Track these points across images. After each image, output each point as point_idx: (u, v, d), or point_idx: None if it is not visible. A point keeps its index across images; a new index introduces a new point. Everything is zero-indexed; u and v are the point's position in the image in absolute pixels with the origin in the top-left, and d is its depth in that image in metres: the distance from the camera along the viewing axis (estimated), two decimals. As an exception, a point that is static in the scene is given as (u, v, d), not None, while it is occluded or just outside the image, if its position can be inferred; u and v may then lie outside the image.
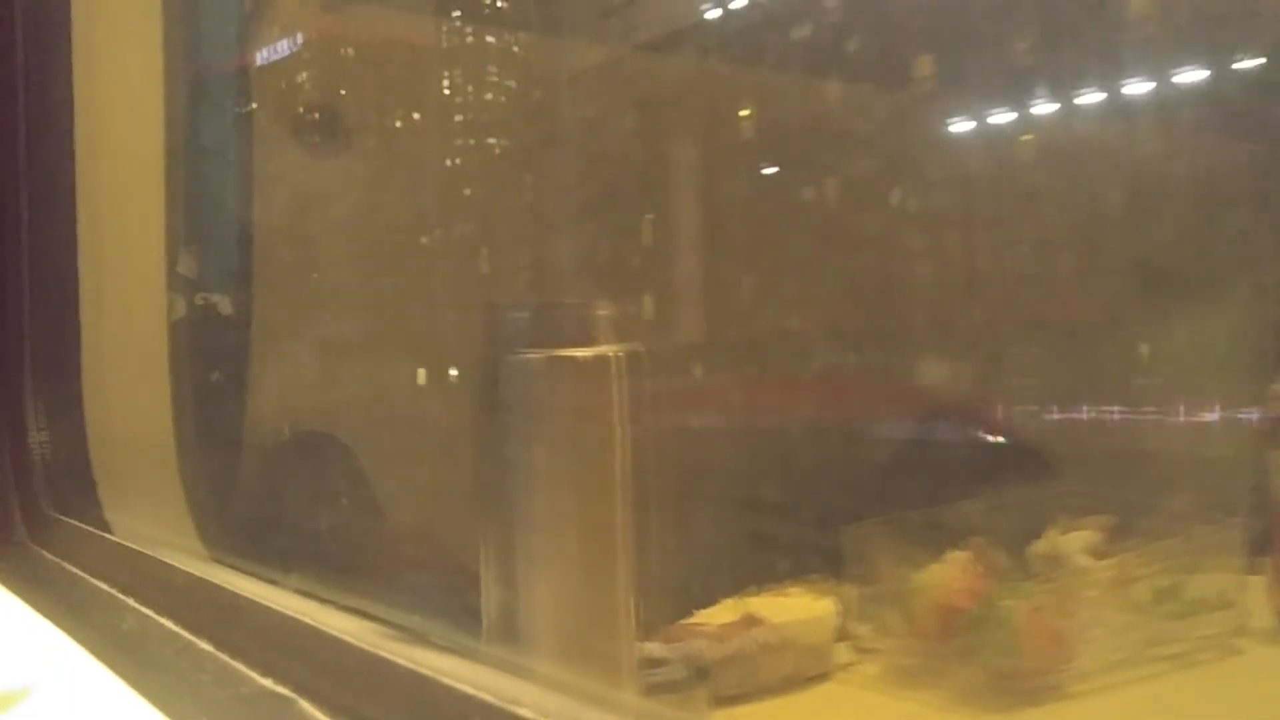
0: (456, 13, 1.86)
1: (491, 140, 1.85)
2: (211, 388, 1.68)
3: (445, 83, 1.84)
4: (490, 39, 1.86)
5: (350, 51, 1.88)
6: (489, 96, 1.86)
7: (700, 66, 1.75)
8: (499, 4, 1.88)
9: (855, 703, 1.01)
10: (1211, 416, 1.50)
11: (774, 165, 1.66)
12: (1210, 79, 1.56)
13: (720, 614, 1.04)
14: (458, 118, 1.87)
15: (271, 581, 0.90)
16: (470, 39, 1.87)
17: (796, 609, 1.05)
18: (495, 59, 1.84)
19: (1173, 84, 1.54)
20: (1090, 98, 1.60)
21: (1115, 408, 1.58)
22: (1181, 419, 1.54)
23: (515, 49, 1.85)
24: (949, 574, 1.01)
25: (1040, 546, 1.07)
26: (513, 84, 1.83)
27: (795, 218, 1.64)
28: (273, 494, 1.67)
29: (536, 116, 1.84)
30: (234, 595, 0.84)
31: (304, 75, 1.86)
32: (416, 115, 1.86)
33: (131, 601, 0.96)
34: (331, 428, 1.67)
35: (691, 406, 1.51)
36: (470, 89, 1.86)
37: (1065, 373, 1.61)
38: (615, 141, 1.68)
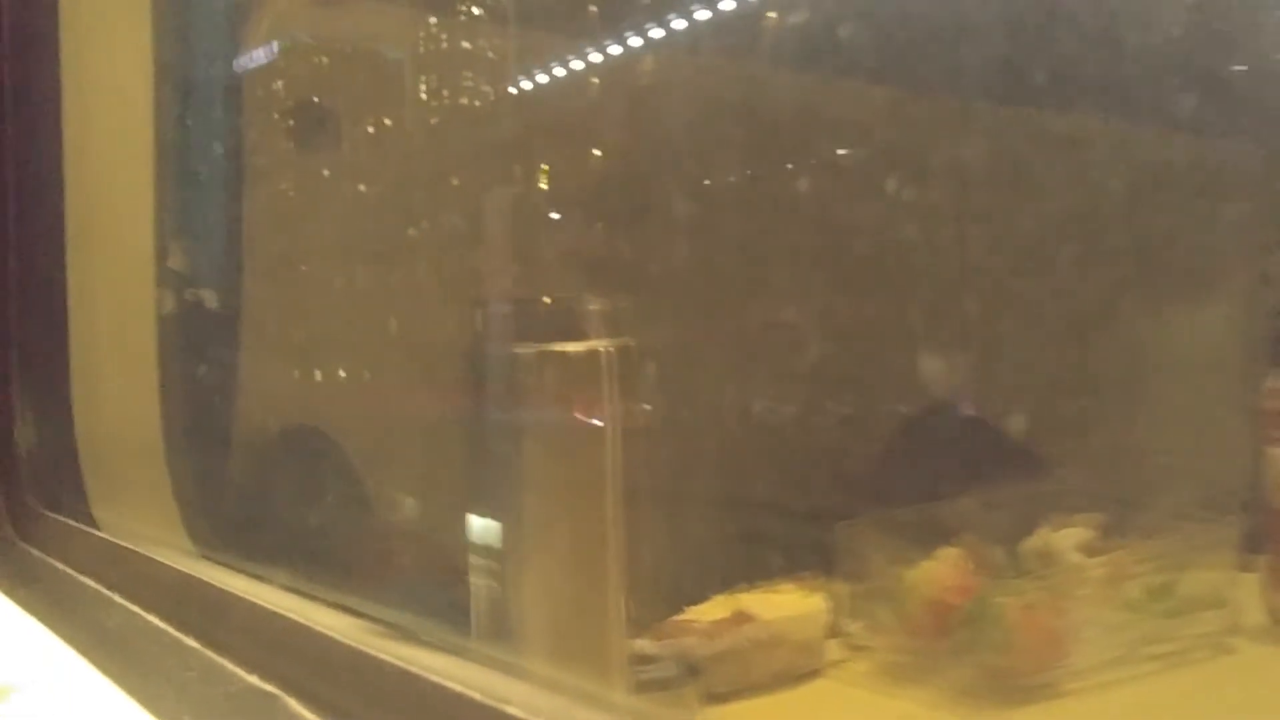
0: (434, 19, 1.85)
1: (481, 138, 1.85)
2: (200, 383, 1.67)
3: (423, 84, 1.84)
4: (465, 44, 1.86)
5: (341, 49, 1.87)
6: (466, 100, 1.86)
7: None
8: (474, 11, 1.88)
9: (847, 700, 1.00)
10: (1205, 413, 1.50)
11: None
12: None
13: (711, 610, 1.04)
14: (433, 120, 1.87)
15: (259, 578, 0.90)
16: (445, 45, 1.87)
17: (788, 605, 1.04)
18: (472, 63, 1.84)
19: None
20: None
21: (1109, 404, 1.58)
22: (1175, 415, 1.54)
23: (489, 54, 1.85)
24: (941, 571, 1.01)
25: (1033, 543, 1.06)
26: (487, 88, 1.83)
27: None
28: (261, 489, 1.66)
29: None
30: (221, 592, 0.83)
31: (295, 71, 1.86)
32: (403, 113, 1.85)
33: (118, 598, 0.96)
34: (321, 423, 1.66)
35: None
36: (446, 90, 1.86)
37: (1057, 368, 1.61)
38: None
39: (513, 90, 1.81)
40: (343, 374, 1.71)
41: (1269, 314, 1.38)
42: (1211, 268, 1.52)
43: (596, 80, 1.75)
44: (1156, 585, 1.01)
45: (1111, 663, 0.96)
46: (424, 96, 1.85)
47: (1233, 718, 0.90)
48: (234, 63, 1.83)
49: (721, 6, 1.64)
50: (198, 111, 1.79)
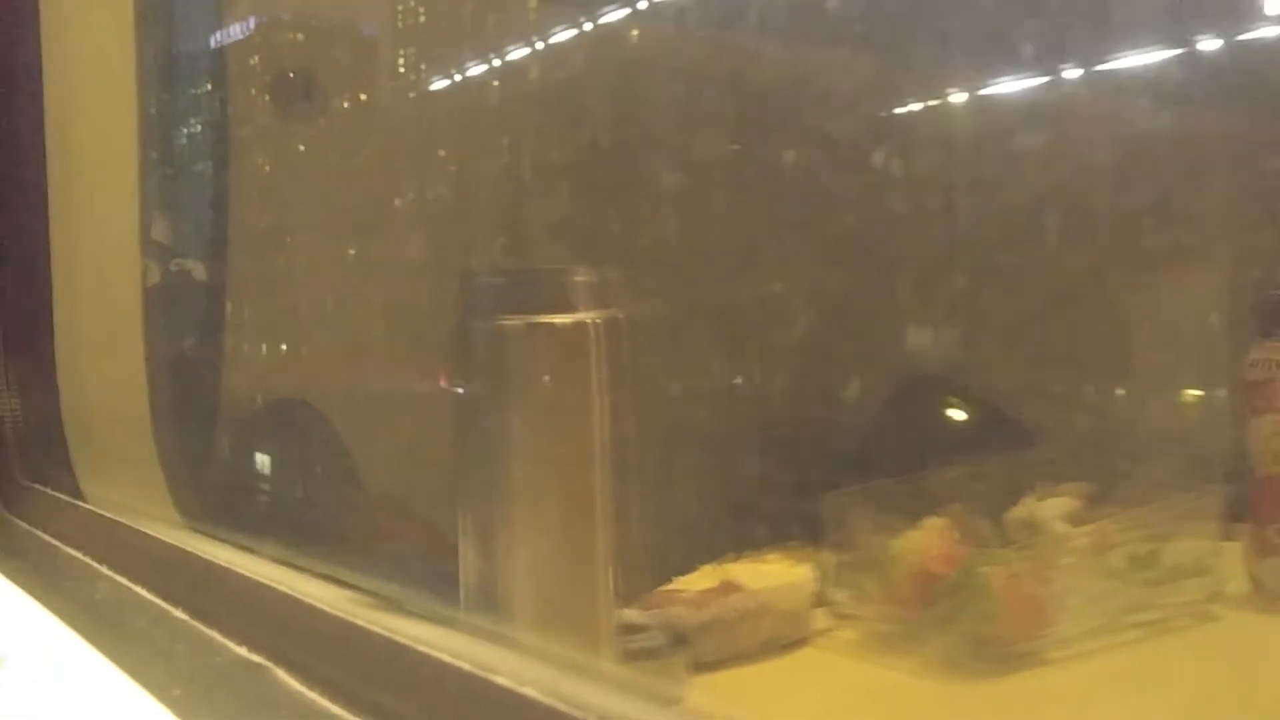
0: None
1: (466, 109, 1.84)
2: (186, 354, 1.67)
3: (405, 55, 1.83)
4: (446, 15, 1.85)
5: (324, 20, 1.86)
6: (449, 71, 1.85)
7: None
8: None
9: (833, 668, 1.01)
10: (1189, 383, 1.50)
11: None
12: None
13: (698, 580, 1.04)
14: (416, 92, 1.86)
15: (247, 550, 0.90)
16: (426, 16, 1.86)
17: (774, 575, 1.05)
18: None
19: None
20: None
21: (1094, 375, 1.59)
22: (1160, 386, 1.54)
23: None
24: (926, 540, 1.02)
25: (1018, 513, 1.07)
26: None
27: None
28: (249, 462, 1.66)
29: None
30: (209, 564, 0.83)
31: (279, 40, 1.85)
32: (387, 84, 1.84)
33: (106, 570, 0.96)
34: (307, 396, 1.66)
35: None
36: (430, 62, 1.85)
37: (1043, 339, 1.61)
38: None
39: (495, 62, 1.80)
40: (329, 347, 1.71)
41: (1252, 285, 1.39)
42: (1196, 239, 1.52)
43: (581, 51, 1.75)
44: (1140, 554, 1.01)
45: (1095, 631, 0.97)
46: (406, 68, 1.84)
47: (1215, 684, 0.91)
48: (218, 33, 1.82)
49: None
50: (182, 82, 1.78)
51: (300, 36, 1.86)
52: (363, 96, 1.85)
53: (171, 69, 1.74)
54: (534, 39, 1.77)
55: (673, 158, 1.63)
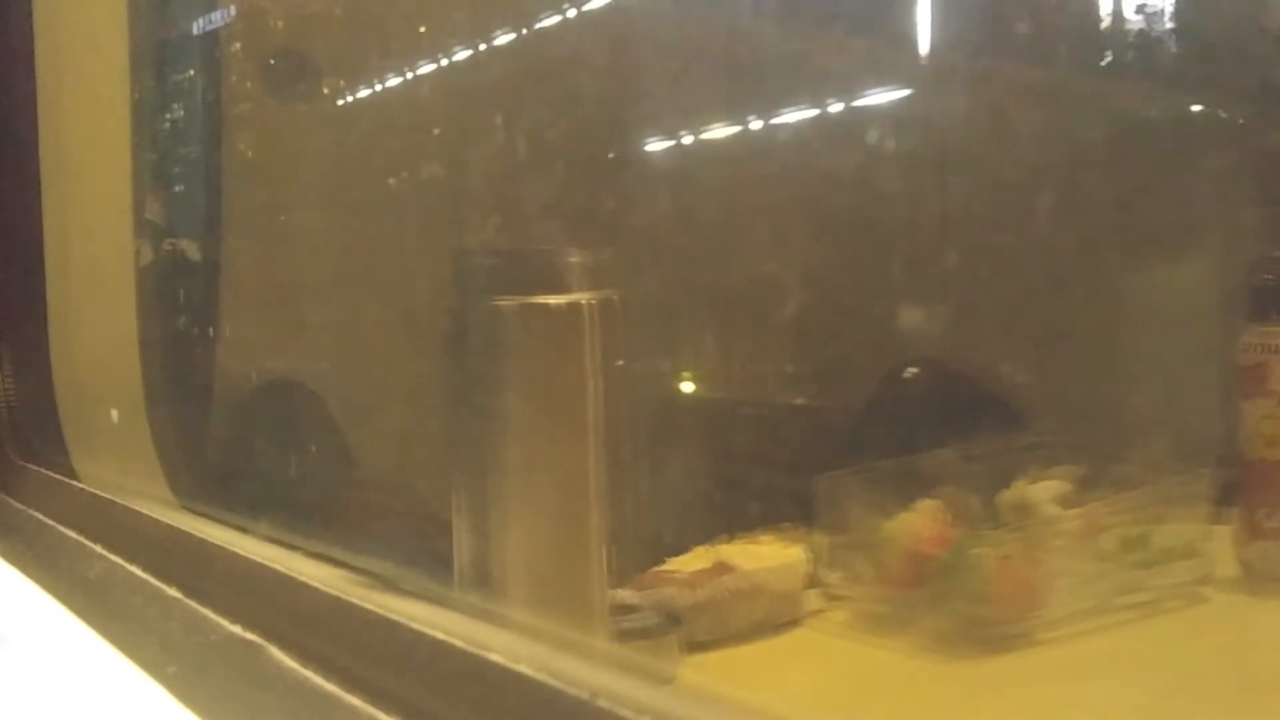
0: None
1: (462, 87, 1.83)
2: (180, 334, 1.66)
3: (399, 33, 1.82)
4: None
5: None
6: (445, 48, 1.83)
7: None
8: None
9: (825, 649, 1.01)
10: (1181, 366, 1.51)
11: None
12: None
13: (692, 561, 1.05)
14: (411, 70, 1.85)
15: (241, 529, 0.90)
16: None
17: (767, 556, 1.05)
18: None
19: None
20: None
21: (1086, 357, 1.59)
22: (1151, 369, 1.54)
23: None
24: (918, 522, 1.02)
25: (1010, 496, 1.07)
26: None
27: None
28: (242, 441, 1.66)
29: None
30: (203, 542, 0.84)
31: (273, 16, 1.84)
32: (382, 61, 1.83)
33: (99, 549, 0.96)
34: (301, 375, 1.66)
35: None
36: (424, 39, 1.84)
37: (1036, 321, 1.61)
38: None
39: (494, 40, 1.79)
40: (323, 327, 1.71)
41: (1245, 268, 1.39)
42: (1189, 221, 1.52)
43: (576, 28, 1.74)
44: (1131, 537, 1.02)
45: (1086, 612, 0.97)
46: (401, 45, 1.83)
47: (1204, 665, 0.91)
48: (212, 12, 1.81)
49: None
50: (174, 59, 1.77)
51: (293, 15, 1.85)
52: (360, 72, 1.84)
53: (164, 48, 1.73)
54: (524, 19, 1.76)
55: (666, 136, 1.63)
